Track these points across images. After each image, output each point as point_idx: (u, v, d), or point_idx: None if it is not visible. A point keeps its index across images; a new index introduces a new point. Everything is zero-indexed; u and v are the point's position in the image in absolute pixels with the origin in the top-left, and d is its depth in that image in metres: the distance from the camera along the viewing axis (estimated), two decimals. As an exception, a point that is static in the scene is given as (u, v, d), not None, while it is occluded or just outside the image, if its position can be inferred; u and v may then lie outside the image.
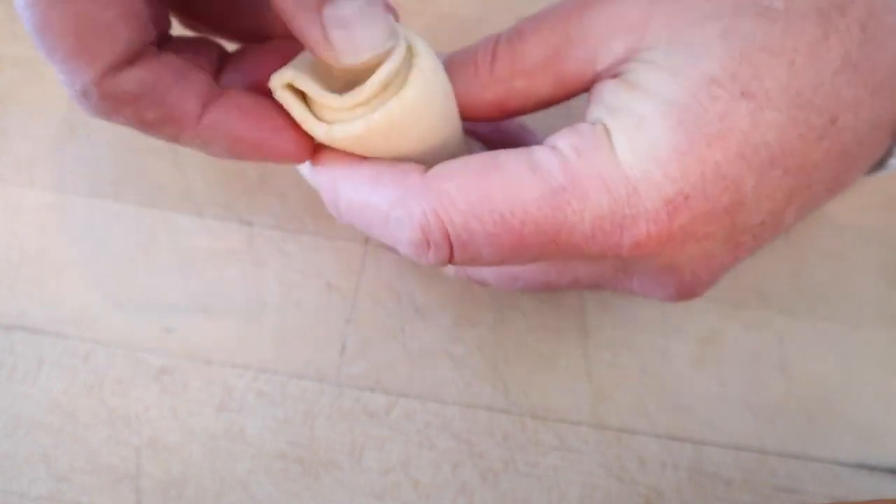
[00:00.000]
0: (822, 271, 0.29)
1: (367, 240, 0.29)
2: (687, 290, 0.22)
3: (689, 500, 0.27)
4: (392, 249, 0.23)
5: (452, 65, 0.22)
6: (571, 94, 0.22)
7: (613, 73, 0.21)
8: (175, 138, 0.21)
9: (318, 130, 0.21)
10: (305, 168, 0.23)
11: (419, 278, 0.29)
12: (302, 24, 0.19)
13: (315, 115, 0.21)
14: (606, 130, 0.20)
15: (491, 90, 0.22)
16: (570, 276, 0.23)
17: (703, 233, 0.20)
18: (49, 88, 0.30)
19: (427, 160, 0.22)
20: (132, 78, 0.19)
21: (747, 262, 0.29)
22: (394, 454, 0.27)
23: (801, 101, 0.19)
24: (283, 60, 0.21)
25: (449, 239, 0.20)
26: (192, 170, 0.30)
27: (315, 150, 0.22)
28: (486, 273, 0.25)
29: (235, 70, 0.22)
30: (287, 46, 0.22)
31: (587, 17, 0.21)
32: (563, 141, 0.20)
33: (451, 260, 0.21)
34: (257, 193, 0.30)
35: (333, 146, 0.21)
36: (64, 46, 0.19)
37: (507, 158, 0.20)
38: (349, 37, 0.19)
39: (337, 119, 0.20)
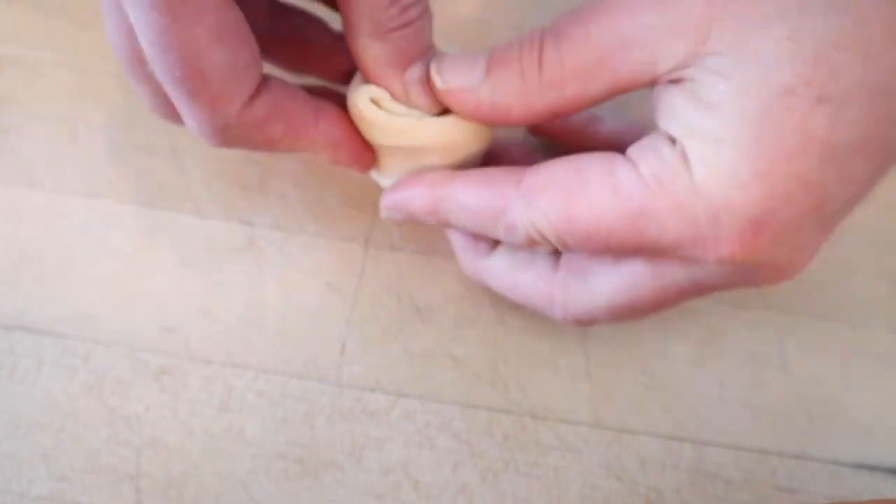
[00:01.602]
0: (823, 271, 0.29)
1: (367, 240, 0.29)
2: (784, 274, 0.22)
3: (689, 500, 0.27)
4: None
5: (496, 70, 0.22)
6: (627, 92, 0.21)
7: (676, 77, 0.20)
8: (291, 147, 0.24)
9: (404, 124, 0.24)
10: (385, 180, 0.26)
11: (419, 278, 0.29)
12: (388, 85, 0.23)
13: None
14: (685, 155, 0.20)
15: (541, 98, 0.22)
16: (673, 291, 0.23)
17: (793, 231, 0.20)
18: (49, 88, 0.30)
19: (472, 161, 0.25)
20: (262, 104, 0.22)
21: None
22: (394, 454, 0.27)
23: (882, 89, 0.19)
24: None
25: (549, 241, 0.22)
26: (192, 170, 0.30)
27: (398, 185, 0.25)
28: (598, 314, 0.24)
29: None
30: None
31: (642, 17, 0.20)
32: (645, 164, 0.21)
33: (562, 251, 0.24)
34: (257, 193, 0.30)
35: (392, 150, 0.25)
36: (210, 90, 0.21)
37: (591, 174, 0.21)
38: (426, 94, 0.23)
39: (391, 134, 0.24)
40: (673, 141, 0.20)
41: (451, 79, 0.23)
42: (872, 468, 0.28)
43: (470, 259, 0.26)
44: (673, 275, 0.22)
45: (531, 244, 0.23)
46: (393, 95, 0.24)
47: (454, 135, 0.24)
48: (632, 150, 0.21)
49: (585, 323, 0.25)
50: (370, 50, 0.23)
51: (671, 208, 0.20)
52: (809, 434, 0.28)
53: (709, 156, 0.19)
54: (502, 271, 0.26)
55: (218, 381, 0.28)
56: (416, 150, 0.24)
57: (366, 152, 0.25)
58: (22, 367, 0.28)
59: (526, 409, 0.28)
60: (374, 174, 0.27)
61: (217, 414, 0.27)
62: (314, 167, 0.30)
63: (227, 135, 0.22)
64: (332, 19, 0.25)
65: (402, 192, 0.25)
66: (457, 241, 0.27)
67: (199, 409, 0.27)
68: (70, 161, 0.30)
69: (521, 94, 0.22)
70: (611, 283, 0.23)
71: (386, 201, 0.25)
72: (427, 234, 0.29)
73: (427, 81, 0.23)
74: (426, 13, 0.23)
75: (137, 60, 0.22)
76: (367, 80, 0.24)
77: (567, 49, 0.21)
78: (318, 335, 0.28)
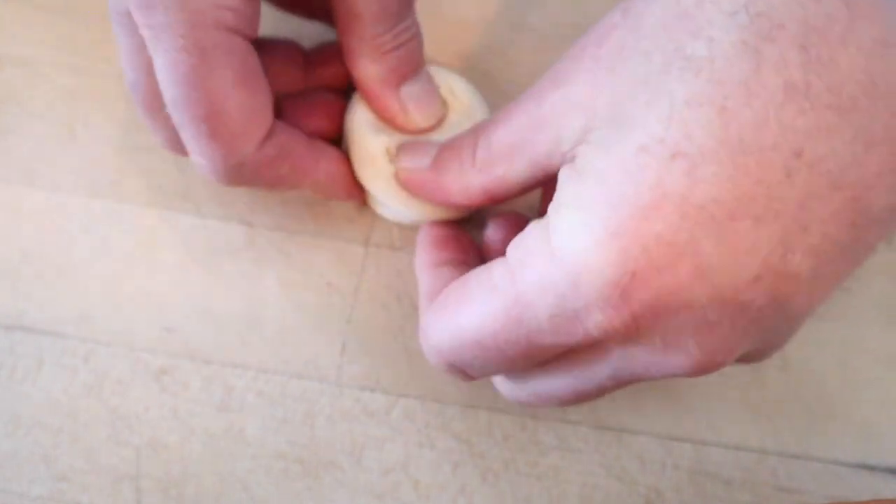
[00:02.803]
0: (822, 271, 0.29)
1: (367, 240, 0.29)
2: (704, 364, 0.20)
3: (689, 500, 0.27)
4: None
5: (441, 156, 0.24)
6: (552, 177, 0.21)
7: (571, 155, 0.20)
8: (294, 185, 0.26)
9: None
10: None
11: (419, 278, 0.29)
12: (386, 101, 0.26)
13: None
14: (548, 228, 0.20)
15: (476, 178, 0.23)
16: (592, 383, 0.22)
17: (677, 302, 0.18)
18: (49, 88, 0.30)
19: None
20: (273, 144, 0.24)
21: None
22: (394, 454, 0.27)
23: (745, 146, 0.18)
24: (327, 112, 0.27)
25: (455, 366, 0.23)
26: (192, 170, 0.30)
27: None
28: (526, 399, 0.25)
29: (291, 121, 0.26)
30: (325, 101, 0.28)
31: (548, 99, 0.21)
32: (514, 251, 0.21)
33: (475, 378, 0.24)
34: (257, 193, 0.30)
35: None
36: (229, 131, 0.23)
37: (475, 283, 0.21)
38: (420, 108, 0.26)
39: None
40: (541, 221, 0.20)
41: (406, 161, 0.26)
42: (872, 468, 0.28)
43: None
44: (587, 368, 0.22)
45: (447, 372, 0.23)
46: (388, 115, 0.26)
47: None
48: (509, 247, 0.21)
49: (529, 405, 0.26)
50: (368, 71, 0.25)
51: (534, 285, 0.19)
52: (809, 434, 0.28)
53: (568, 223, 0.19)
54: None
55: (218, 381, 0.28)
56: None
57: (358, 188, 0.27)
58: (22, 367, 0.28)
59: (526, 409, 0.28)
60: (372, 203, 0.28)
61: (217, 414, 0.27)
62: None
63: (239, 173, 0.24)
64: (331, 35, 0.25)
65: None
66: None
67: (199, 409, 0.27)
68: (70, 161, 0.30)
69: (458, 175, 0.24)
70: (541, 384, 0.23)
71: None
72: (427, 234, 0.29)
73: (422, 98, 0.26)
74: (417, 34, 0.26)
75: (154, 98, 0.23)
76: (366, 100, 0.26)
77: (494, 134, 0.23)
78: (318, 335, 0.28)
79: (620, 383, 0.22)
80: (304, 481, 0.27)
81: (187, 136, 0.23)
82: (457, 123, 0.27)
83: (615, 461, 0.27)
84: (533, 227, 0.20)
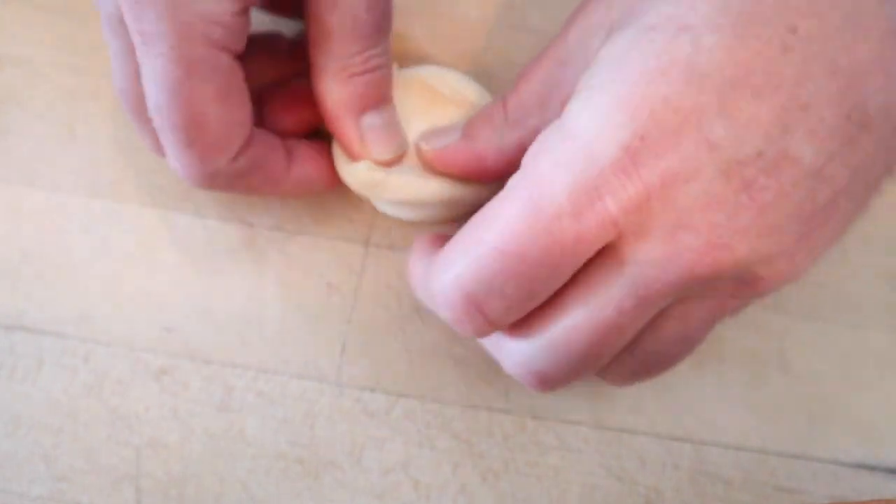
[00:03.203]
0: (823, 272, 0.29)
1: (367, 240, 0.29)
2: (714, 240, 0.20)
3: (689, 500, 0.27)
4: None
5: (470, 126, 0.25)
6: None
7: None
8: (270, 192, 0.26)
9: (403, 180, 0.26)
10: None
11: (419, 278, 0.29)
12: (344, 127, 0.25)
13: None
14: (560, 120, 0.20)
15: (510, 135, 0.24)
16: (610, 307, 0.21)
17: (684, 171, 0.19)
18: (49, 88, 0.30)
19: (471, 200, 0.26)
20: (248, 157, 0.24)
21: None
22: (394, 454, 0.27)
23: (745, 18, 0.19)
24: (310, 102, 0.26)
25: (473, 301, 0.21)
26: (192, 170, 0.30)
27: None
28: (539, 357, 0.23)
29: (269, 118, 0.27)
30: (299, 90, 0.27)
31: (569, 36, 0.22)
32: (525, 156, 0.21)
33: (490, 324, 0.22)
34: (257, 193, 0.30)
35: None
36: (205, 142, 0.23)
37: (493, 202, 0.21)
38: (379, 140, 0.25)
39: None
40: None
41: (434, 142, 0.25)
42: (872, 468, 0.28)
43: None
44: (602, 291, 0.21)
45: (460, 321, 0.22)
46: (344, 141, 0.26)
47: (450, 191, 0.26)
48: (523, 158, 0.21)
49: (534, 375, 0.23)
50: (332, 93, 0.25)
51: (550, 165, 0.20)
52: (809, 434, 0.28)
53: (579, 105, 0.20)
54: None
55: (218, 381, 0.28)
56: (413, 204, 0.26)
57: (336, 180, 0.27)
58: (22, 367, 0.28)
59: (526, 409, 0.28)
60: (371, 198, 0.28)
61: (217, 414, 0.27)
62: (314, 167, 0.30)
63: (212, 181, 0.24)
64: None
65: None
66: None
67: (199, 409, 0.27)
68: (70, 161, 0.30)
69: (492, 137, 0.24)
70: (556, 330, 0.22)
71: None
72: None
73: (382, 131, 0.26)
74: (388, 65, 0.25)
75: (141, 102, 0.24)
76: (326, 122, 0.26)
77: (522, 88, 0.23)
78: (318, 335, 0.28)
79: (639, 302, 0.21)
80: (304, 481, 0.27)
81: (166, 141, 0.24)
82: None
83: (615, 461, 0.27)
84: (543, 131, 0.21)
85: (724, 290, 0.21)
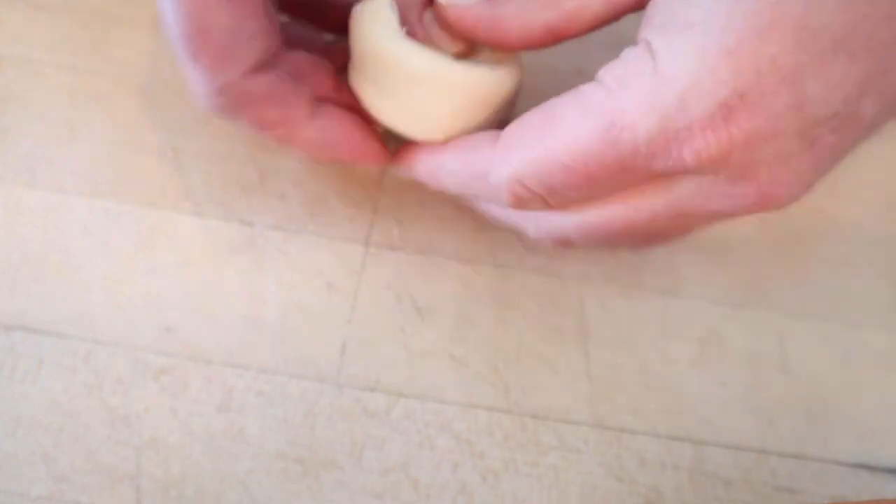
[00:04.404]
0: (823, 271, 0.29)
1: (367, 240, 0.29)
2: (769, 196, 0.20)
3: (689, 500, 0.27)
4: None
5: None
6: (623, 12, 0.21)
7: None
8: (286, 139, 0.24)
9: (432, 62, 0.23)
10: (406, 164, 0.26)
11: (419, 278, 0.29)
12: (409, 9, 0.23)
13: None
14: (650, 49, 0.19)
15: (542, 14, 0.22)
16: (646, 212, 0.22)
17: (770, 131, 0.19)
18: (49, 88, 0.30)
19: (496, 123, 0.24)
20: (263, 81, 0.23)
21: (748, 262, 0.30)
22: (394, 454, 0.27)
23: None
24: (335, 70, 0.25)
25: (537, 194, 0.22)
26: (191, 170, 0.30)
27: (397, 154, 0.26)
28: (570, 231, 0.24)
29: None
30: (335, 51, 0.26)
31: None
32: (608, 73, 0.20)
33: (550, 206, 0.22)
34: (257, 193, 0.30)
35: (429, 97, 0.23)
36: (212, 51, 0.21)
37: (560, 106, 0.21)
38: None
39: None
40: (638, 44, 0.20)
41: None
42: (872, 468, 0.28)
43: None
44: (645, 198, 0.21)
45: (520, 205, 0.22)
46: (408, 22, 0.23)
47: (481, 77, 0.23)
48: (599, 72, 0.21)
49: (558, 241, 0.24)
50: None
51: (638, 104, 0.19)
52: (809, 434, 0.28)
53: (676, 42, 0.19)
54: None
55: (218, 381, 0.28)
56: (443, 100, 0.24)
57: (366, 150, 0.26)
58: (22, 367, 0.28)
59: (526, 409, 0.28)
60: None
61: (217, 414, 0.27)
62: (314, 167, 0.30)
63: (220, 100, 0.23)
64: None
65: (406, 157, 0.25)
66: None
67: (199, 409, 0.27)
68: (70, 161, 0.30)
69: (519, 8, 0.22)
70: (591, 215, 0.23)
71: (397, 160, 0.26)
72: (427, 234, 0.29)
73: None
74: None
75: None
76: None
77: None
78: (318, 335, 0.28)
79: (673, 217, 0.21)
80: (304, 481, 0.27)
81: (179, 57, 0.22)
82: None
83: (615, 461, 0.27)
84: (629, 52, 0.20)
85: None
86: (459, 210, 0.29)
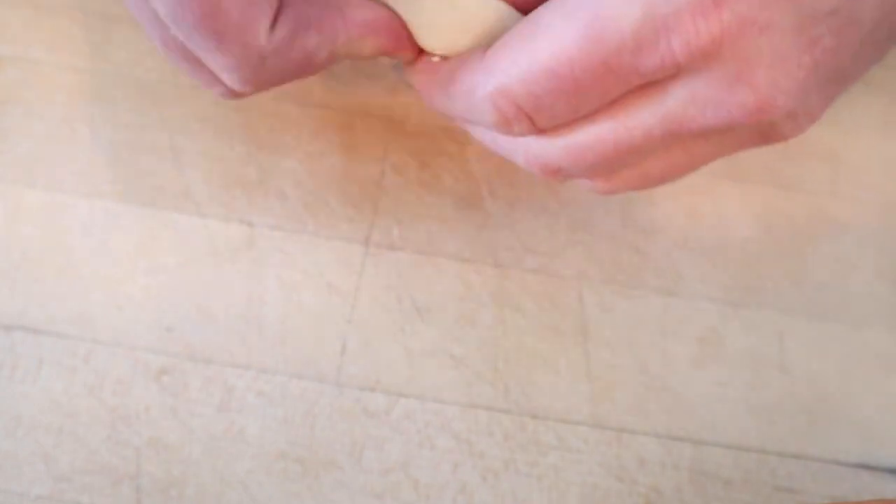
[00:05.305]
0: (822, 271, 0.29)
1: (367, 240, 0.29)
2: (768, 103, 0.19)
3: (689, 500, 0.27)
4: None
5: None
6: None
7: None
8: (332, 56, 0.23)
9: None
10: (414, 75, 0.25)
11: (419, 278, 0.29)
12: None
13: None
14: None
15: None
16: (638, 130, 0.21)
17: (763, 20, 0.18)
18: (49, 88, 0.30)
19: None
20: (285, 21, 0.21)
21: (748, 262, 0.30)
22: (394, 454, 0.27)
23: None
24: None
25: (522, 110, 0.21)
26: (192, 170, 0.30)
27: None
28: (559, 156, 0.23)
29: None
30: None
31: None
32: None
33: (537, 128, 0.21)
34: (257, 193, 0.30)
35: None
36: (232, 24, 0.20)
37: (545, 13, 0.20)
38: None
39: None
40: None
41: None
42: (872, 468, 0.28)
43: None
44: (636, 113, 0.21)
45: (506, 125, 0.21)
46: None
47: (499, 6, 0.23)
48: None
49: (549, 171, 0.23)
50: None
51: None
52: (809, 434, 0.28)
53: None
54: None
55: (218, 381, 0.28)
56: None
57: (405, 33, 0.24)
58: (22, 367, 0.28)
59: (526, 409, 0.28)
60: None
61: (217, 414, 0.27)
62: (314, 167, 0.30)
63: (265, 68, 0.22)
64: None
65: (410, 76, 0.25)
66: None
67: (199, 409, 0.27)
68: (70, 161, 0.30)
69: None
70: (579, 135, 0.22)
71: (405, 75, 0.25)
72: (427, 234, 0.29)
73: None
74: None
75: (166, 33, 0.21)
76: None
77: None
78: (318, 335, 0.28)
79: (668, 136, 0.21)
80: (304, 481, 0.27)
81: (200, 53, 0.21)
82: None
83: (615, 461, 0.27)
84: None
85: (740, 136, 0.21)
86: (459, 210, 0.30)
